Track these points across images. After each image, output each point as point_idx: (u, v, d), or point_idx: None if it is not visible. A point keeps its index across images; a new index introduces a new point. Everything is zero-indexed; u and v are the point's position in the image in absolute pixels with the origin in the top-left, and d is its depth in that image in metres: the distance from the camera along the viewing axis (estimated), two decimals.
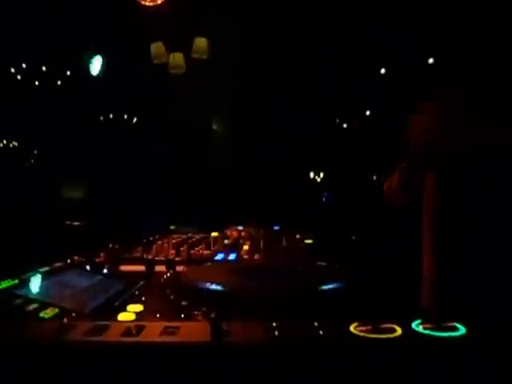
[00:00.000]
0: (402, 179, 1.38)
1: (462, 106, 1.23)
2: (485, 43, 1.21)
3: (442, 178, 1.21)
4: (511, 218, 1.11)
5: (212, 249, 1.65)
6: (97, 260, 1.43)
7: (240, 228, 2.10)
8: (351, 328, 0.78)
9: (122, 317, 0.87)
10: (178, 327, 0.79)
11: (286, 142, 5.88)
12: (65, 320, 0.83)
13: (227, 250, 1.62)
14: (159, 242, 1.60)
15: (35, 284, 1.05)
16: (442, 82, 1.34)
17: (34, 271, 1.16)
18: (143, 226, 2.28)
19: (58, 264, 1.30)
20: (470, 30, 1.23)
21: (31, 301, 0.92)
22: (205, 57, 4.62)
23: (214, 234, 1.78)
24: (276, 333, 0.76)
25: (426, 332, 0.77)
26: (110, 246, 1.53)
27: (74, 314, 0.88)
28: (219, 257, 1.54)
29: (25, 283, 1.04)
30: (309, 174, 6.58)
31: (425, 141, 1.24)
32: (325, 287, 1.01)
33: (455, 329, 0.78)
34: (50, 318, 0.86)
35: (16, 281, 1.04)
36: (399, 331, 0.77)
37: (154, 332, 0.77)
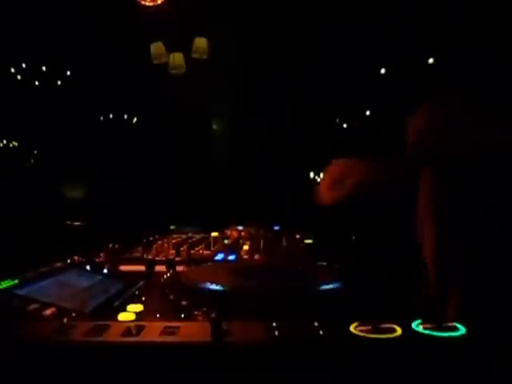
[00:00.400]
0: (333, 176, 1.37)
1: (461, 106, 1.22)
2: (484, 42, 1.21)
3: (441, 178, 1.20)
4: (511, 219, 1.11)
5: (212, 249, 1.65)
6: (97, 260, 1.43)
7: (240, 228, 2.10)
8: (351, 328, 0.78)
9: (122, 317, 0.87)
10: (178, 327, 0.79)
11: (286, 142, 5.88)
12: (65, 320, 0.83)
13: (227, 250, 1.62)
14: (159, 242, 1.60)
15: (35, 284, 1.04)
16: (441, 82, 1.34)
17: (34, 271, 1.16)
18: (143, 225, 2.28)
19: (58, 264, 1.30)
20: (470, 29, 1.23)
21: (31, 301, 0.92)
22: (205, 57, 4.62)
23: (214, 233, 1.78)
24: (276, 333, 0.76)
25: (426, 332, 0.77)
26: (110, 245, 1.53)
27: (74, 314, 0.88)
28: (219, 257, 1.54)
29: (25, 283, 1.03)
30: (309, 174, 6.58)
31: (422, 141, 1.23)
32: (325, 287, 1.01)
33: (455, 329, 0.78)
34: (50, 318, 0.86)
35: (16, 281, 1.04)
36: (399, 331, 0.77)
37: (154, 332, 0.77)
